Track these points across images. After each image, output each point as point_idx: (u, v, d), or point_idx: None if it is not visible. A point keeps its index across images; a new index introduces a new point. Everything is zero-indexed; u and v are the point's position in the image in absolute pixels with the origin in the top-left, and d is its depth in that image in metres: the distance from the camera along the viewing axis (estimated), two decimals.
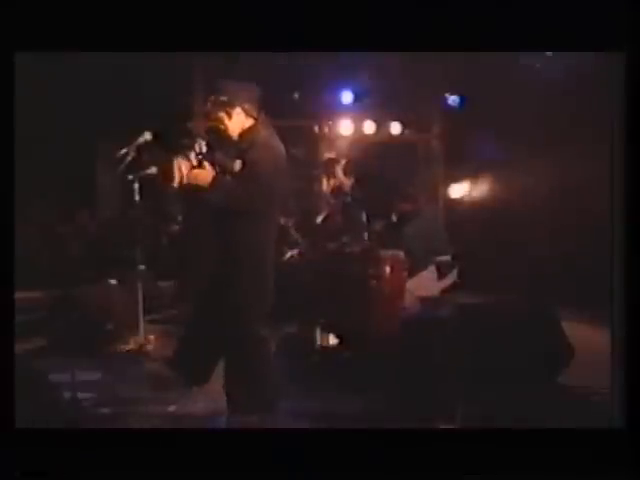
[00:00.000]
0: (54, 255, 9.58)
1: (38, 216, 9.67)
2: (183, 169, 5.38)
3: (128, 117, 8.63)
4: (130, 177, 7.01)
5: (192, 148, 5.48)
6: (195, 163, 5.33)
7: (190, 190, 5.48)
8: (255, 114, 5.41)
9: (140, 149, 6.76)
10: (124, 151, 6.72)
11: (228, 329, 5.32)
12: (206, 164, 5.32)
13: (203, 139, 5.60)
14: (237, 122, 5.37)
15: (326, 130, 10.96)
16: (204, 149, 5.43)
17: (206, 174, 5.24)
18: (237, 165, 5.27)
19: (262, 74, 8.37)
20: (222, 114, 5.36)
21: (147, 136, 6.74)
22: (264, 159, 5.21)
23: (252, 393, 5.22)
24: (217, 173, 5.27)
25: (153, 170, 7.20)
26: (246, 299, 5.24)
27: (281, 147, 5.41)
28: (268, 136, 5.40)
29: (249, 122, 5.39)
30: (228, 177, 5.28)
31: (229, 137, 5.43)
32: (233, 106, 5.35)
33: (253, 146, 5.27)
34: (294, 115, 10.26)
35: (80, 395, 5.55)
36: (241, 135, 5.40)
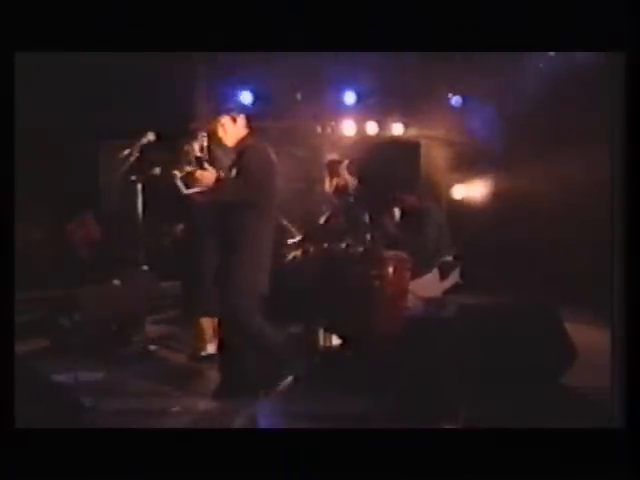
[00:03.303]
0: (57, 255, 9.60)
1: (41, 216, 9.68)
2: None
3: (131, 118, 8.63)
4: (133, 178, 7.00)
5: (196, 140, 5.78)
6: (198, 154, 5.83)
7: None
8: (251, 126, 5.85)
9: (143, 150, 6.77)
10: (127, 152, 6.73)
11: (231, 324, 5.61)
12: (207, 165, 5.75)
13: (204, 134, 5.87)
14: (236, 130, 5.79)
15: (329, 131, 10.97)
16: (205, 142, 5.73)
17: (209, 175, 5.59)
18: (233, 174, 5.66)
19: (264, 74, 8.42)
20: (226, 119, 5.77)
21: (150, 137, 6.76)
22: (254, 160, 5.61)
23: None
24: (219, 174, 5.64)
25: (156, 171, 7.21)
26: (245, 291, 5.53)
27: (270, 154, 5.76)
28: (258, 144, 5.76)
29: (244, 132, 5.81)
30: (226, 177, 5.68)
31: (225, 145, 5.88)
32: (238, 113, 5.82)
33: (245, 154, 5.66)
34: (296, 116, 10.29)
35: (82, 395, 5.56)
36: (236, 144, 5.80)
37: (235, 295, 5.55)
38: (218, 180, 5.58)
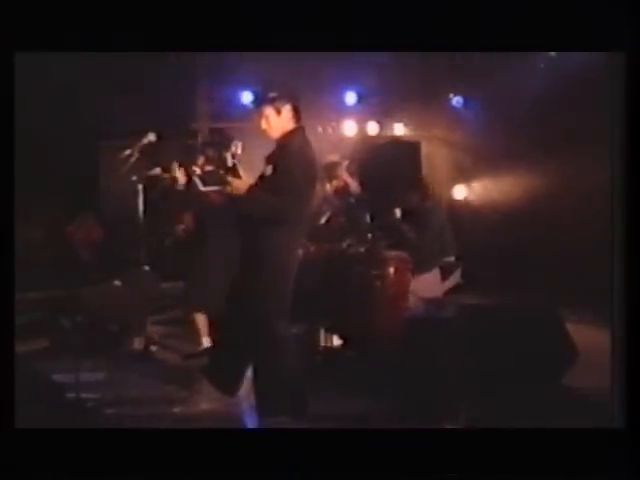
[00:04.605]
0: (58, 256, 9.58)
1: (41, 217, 9.66)
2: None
3: (131, 118, 8.64)
4: (134, 178, 7.00)
5: (228, 149, 5.54)
6: (230, 165, 5.36)
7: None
8: (300, 118, 5.35)
9: (144, 150, 6.77)
10: (128, 152, 6.73)
11: (252, 333, 5.30)
12: (241, 172, 5.35)
13: (239, 140, 5.65)
14: (281, 122, 5.27)
15: (329, 131, 10.94)
16: (239, 151, 5.46)
17: (242, 184, 5.23)
18: (268, 170, 5.24)
19: (263, 74, 8.41)
20: (270, 110, 5.27)
21: (151, 137, 6.76)
22: (297, 167, 5.13)
23: (283, 395, 5.23)
24: (251, 183, 5.25)
25: (157, 171, 7.21)
26: (268, 301, 5.22)
27: (314, 156, 5.36)
28: (303, 144, 5.31)
29: (291, 125, 5.30)
30: (260, 185, 5.23)
31: (269, 137, 5.35)
32: (283, 103, 5.27)
33: (287, 151, 5.21)
34: None
35: (83, 395, 5.56)
36: (280, 138, 5.31)
37: (262, 316, 5.24)
38: (250, 188, 5.18)
